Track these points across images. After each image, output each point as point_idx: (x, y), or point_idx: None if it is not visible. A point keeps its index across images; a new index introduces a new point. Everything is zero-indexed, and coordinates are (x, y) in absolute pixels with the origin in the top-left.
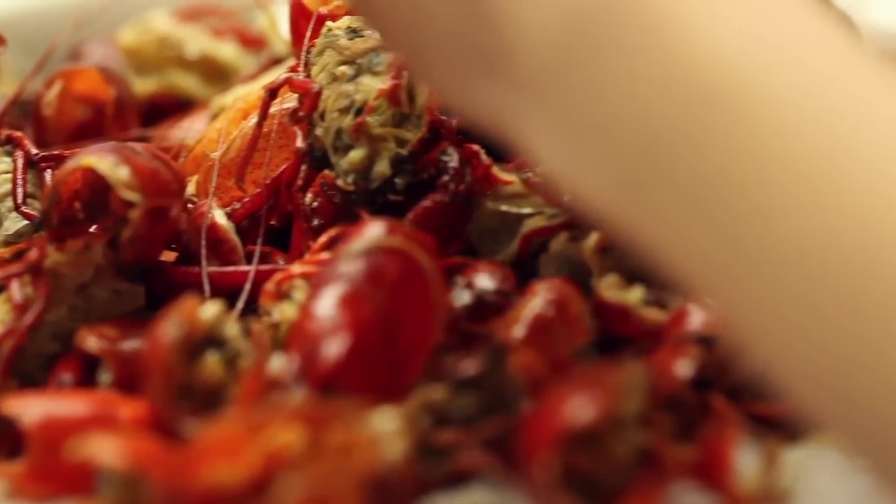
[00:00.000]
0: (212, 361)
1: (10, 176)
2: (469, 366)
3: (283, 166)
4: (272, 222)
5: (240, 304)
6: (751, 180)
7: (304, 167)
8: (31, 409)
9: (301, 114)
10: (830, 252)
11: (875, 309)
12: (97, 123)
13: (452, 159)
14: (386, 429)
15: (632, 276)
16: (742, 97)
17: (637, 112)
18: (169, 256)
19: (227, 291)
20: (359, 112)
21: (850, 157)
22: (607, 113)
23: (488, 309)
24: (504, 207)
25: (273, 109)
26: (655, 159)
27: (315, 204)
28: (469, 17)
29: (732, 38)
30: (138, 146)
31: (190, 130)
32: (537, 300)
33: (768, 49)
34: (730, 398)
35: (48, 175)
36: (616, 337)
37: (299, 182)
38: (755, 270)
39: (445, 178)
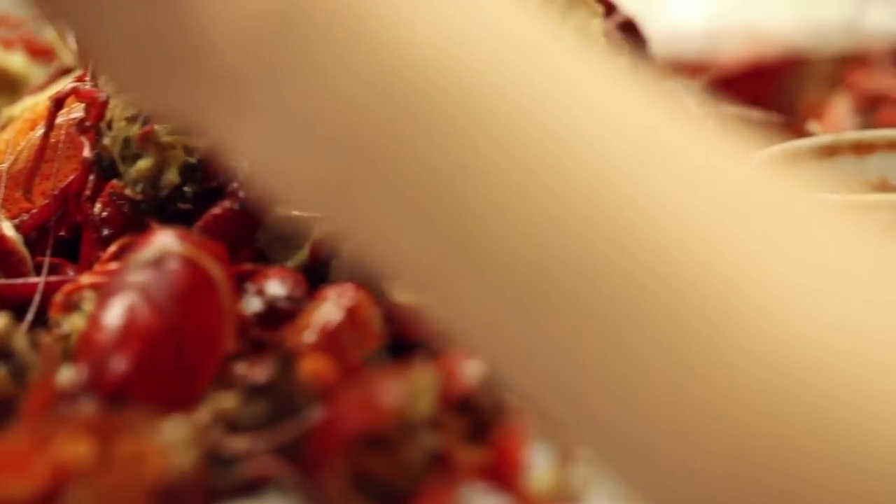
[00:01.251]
0: None
1: None
2: (259, 373)
3: (72, 177)
4: (61, 233)
5: (29, 317)
6: (461, 180)
7: (92, 177)
8: None
9: (88, 123)
10: (544, 253)
11: (586, 313)
12: None
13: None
14: (175, 438)
15: None
16: (452, 96)
17: (343, 111)
18: None
19: (15, 303)
20: (146, 121)
21: (566, 158)
22: (313, 111)
23: (279, 315)
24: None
25: (60, 119)
26: (362, 158)
27: (104, 214)
28: (156, 13)
29: (443, 37)
30: None
31: None
32: (328, 305)
33: (481, 48)
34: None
35: None
36: (408, 340)
37: (87, 192)
38: (465, 269)
39: (235, 185)
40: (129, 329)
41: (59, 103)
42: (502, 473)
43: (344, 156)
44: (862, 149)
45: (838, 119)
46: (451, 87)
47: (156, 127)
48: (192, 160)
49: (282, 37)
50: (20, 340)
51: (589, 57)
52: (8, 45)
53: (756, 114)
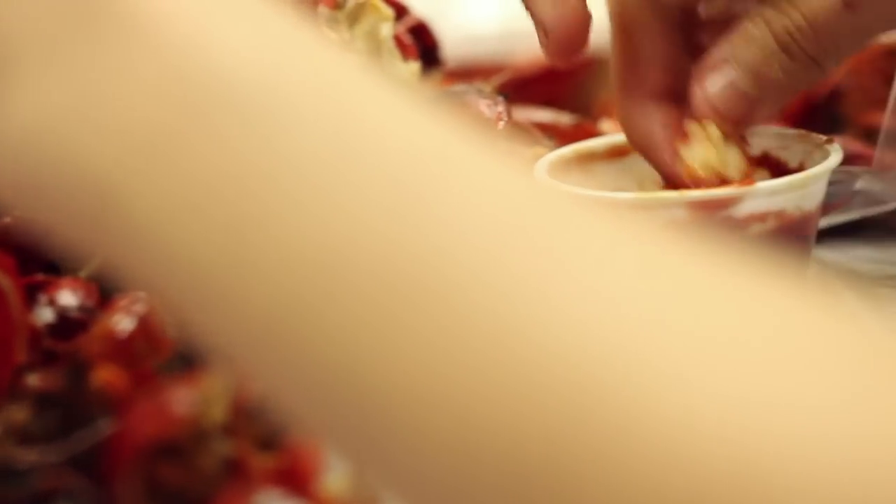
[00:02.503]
0: None
1: None
2: (50, 384)
3: None
4: None
5: None
6: (251, 181)
7: None
8: None
9: None
10: (333, 253)
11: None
12: None
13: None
14: None
15: None
16: (248, 102)
17: (134, 111)
18: None
19: None
20: None
21: (353, 163)
22: (107, 105)
23: (71, 326)
24: None
25: None
26: (155, 156)
27: None
28: None
29: (239, 48)
30: None
31: None
32: (120, 315)
33: (278, 54)
34: None
35: None
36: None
37: None
38: (256, 272)
39: None
40: None
41: None
42: (297, 478)
43: (140, 151)
44: None
45: None
46: (240, 98)
47: None
48: None
49: (73, 37)
50: None
51: (374, 74)
52: None
53: (549, 114)
